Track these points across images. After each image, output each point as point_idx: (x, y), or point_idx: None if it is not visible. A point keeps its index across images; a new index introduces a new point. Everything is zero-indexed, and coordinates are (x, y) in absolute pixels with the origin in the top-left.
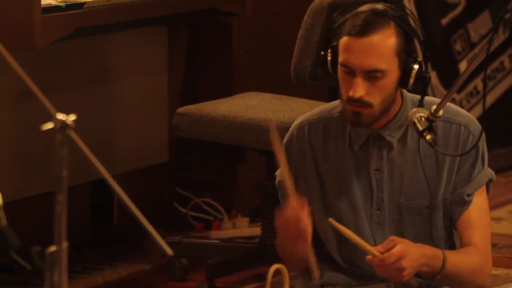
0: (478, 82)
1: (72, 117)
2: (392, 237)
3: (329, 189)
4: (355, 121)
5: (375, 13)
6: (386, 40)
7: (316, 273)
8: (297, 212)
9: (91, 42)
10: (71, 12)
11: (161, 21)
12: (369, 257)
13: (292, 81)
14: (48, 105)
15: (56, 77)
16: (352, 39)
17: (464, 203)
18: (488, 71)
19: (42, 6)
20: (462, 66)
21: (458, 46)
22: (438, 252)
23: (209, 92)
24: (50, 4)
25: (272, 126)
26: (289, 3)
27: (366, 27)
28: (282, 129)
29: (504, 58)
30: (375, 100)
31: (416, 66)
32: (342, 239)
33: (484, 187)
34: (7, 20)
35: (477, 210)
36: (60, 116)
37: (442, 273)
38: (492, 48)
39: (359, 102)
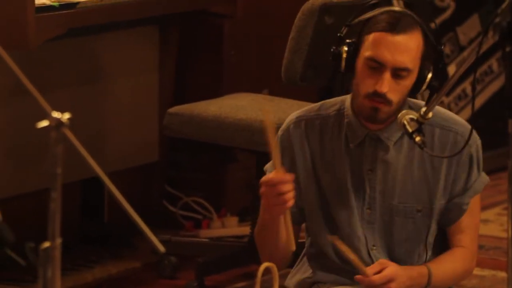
0: (466, 85)
1: (67, 115)
2: (382, 260)
3: (325, 186)
4: (372, 116)
5: (407, 14)
6: (417, 42)
7: (292, 245)
8: (281, 177)
9: (84, 42)
10: (64, 11)
11: (153, 21)
12: (358, 276)
13: (283, 82)
14: (44, 103)
15: (48, 76)
16: (387, 34)
17: (461, 212)
18: (477, 74)
19: (36, 5)
20: (451, 69)
21: (447, 49)
22: (423, 270)
23: (199, 92)
24: (44, 4)
25: (266, 111)
26: (280, 4)
27: (402, 25)
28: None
29: (493, 61)
30: (396, 98)
31: (430, 75)
32: (336, 235)
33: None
34: (1, 19)
35: (470, 215)
36: (55, 114)
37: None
38: (481, 51)
39: (382, 98)
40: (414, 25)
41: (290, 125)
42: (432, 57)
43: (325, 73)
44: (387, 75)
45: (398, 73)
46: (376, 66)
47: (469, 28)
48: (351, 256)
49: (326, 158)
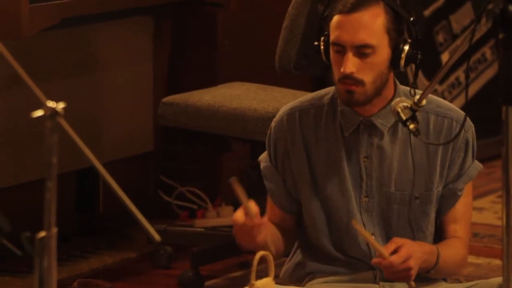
0: (460, 73)
1: (61, 105)
2: (395, 239)
3: (320, 175)
4: (348, 100)
5: None
6: (375, 17)
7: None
8: (251, 223)
9: (78, 32)
10: (58, 1)
11: (147, 11)
12: (376, 260)
13: (277, 71)
14: (38, 93)
15: (42, 66)
16: (342, 16)
17: (456, 198)
18: (470, 62)
19: None
20: (444, 57)
21: (440, 38)
22: (433, 248)
23: (193, 82)
24: None
25: (234, 180)
26: None
27: (356, 4)
28: (267, 119)
29: (486, 49)
30: (367, 77)
31: (406, 47)
32: (333, 226)
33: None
34: None
35: (463, 204)
36: (50, 104)
37: (435, 268)
38: (474, 39)
39: (351, 79)
40: (372, 1)
41: (283, 116)
42: (405, 29)
43: (318, 61)
44: (349, 55)
45: (360, 51)
46: (340, 50)
47: (462, 16)
48: (370, 238)
49: (321, 147)
